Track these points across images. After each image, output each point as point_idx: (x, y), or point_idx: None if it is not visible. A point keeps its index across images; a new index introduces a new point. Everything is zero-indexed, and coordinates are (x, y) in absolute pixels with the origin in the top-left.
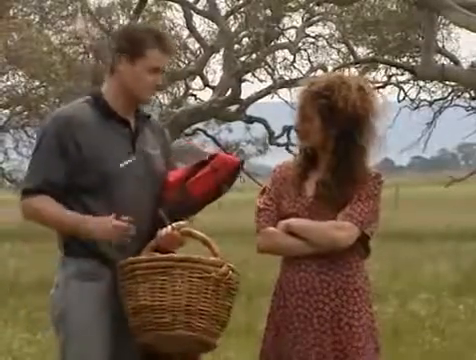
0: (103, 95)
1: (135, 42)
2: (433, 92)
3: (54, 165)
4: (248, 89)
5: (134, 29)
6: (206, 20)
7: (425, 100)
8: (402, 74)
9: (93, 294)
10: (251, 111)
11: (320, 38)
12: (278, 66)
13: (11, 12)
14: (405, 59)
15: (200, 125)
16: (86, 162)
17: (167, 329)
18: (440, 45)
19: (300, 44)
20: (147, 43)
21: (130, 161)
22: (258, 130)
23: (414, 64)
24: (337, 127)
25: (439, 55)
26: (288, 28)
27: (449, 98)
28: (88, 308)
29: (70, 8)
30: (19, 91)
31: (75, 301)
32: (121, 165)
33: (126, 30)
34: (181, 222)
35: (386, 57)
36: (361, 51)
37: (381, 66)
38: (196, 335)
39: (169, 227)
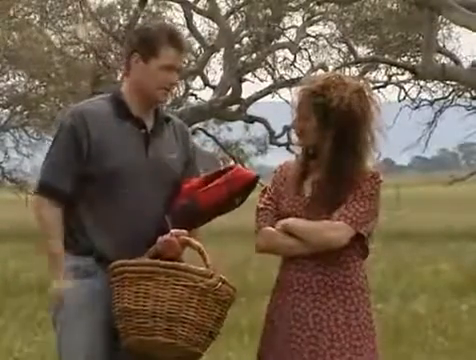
0: (122, 94)
1: (148, 41)
2: (434, 92)
3: (68, 162)
4: (248, 89)
5: (147, 28)
6: (206, 20)
7: (426, 100)
8: (403, 74)
9: (86, 290)
10: (251, 111)
11: (320, 37)
12: (278, 66)
13: (12, 11)
14: (406, 58)
15: (200, 124)
16: (93, 155)
17: (147, 334)
18: (441, 44)
19: (300, 43)
20: (160, 41)
21: (140, 161)
22: (258, 130)
23: (415, 63)
24: (333, 126)
25: (440, 54)
26: (288, 28)
27: (450, 97)
28: (78, 305)
29: (70, 8)
30: (19, 91)
31: (67, 297)
32: (129, 164)
33: (139, 29)
34: (182, 230)
35: (387, 56)
36: (361, 50)
37: (382, 66)
38: (176, 342)
39: (168, 234)
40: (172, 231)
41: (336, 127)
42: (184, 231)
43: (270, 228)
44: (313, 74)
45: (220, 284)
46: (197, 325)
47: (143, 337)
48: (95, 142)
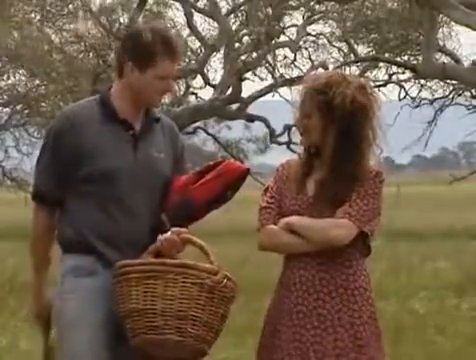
0: (111, 96)
1: (144, 50)
2: (434, 90)
3: (55, 166)
4: (249, 87)
5: (141, 35)
6: (207, 19)
7: (426, 98)
8: (403, 72)
9: (87, 289)
10: (252, 109)
11: (321, 36)
12: (279, 64)
13: (12, 10)
14: (406, 57)
15: (200, 123)
16: (82, 158)
17: (158, 333)
18: (441, 43)
19: (301, 42)
20: (156, 51)
21: (129, 163)
22: (258, 128)
23: (415, 62)
24: (336, 124)
25: (440, 53)
26: (289, 26)
27: (450, 96)
28: (80, 303)
29: (71, 6)
30: (20, 90)
31: (68, 297)
32: (118, 166)
33: (132, 35)
34: (182, 228)
35: (387, 55)
36: (362, 49)
37: (382, 64)
38: (187, 341)
39: (169, 232)
40: (173, 229)
41: (339, 124)
42: (184, 229)
43: (273, 226)
44: (314, 72)
45: (225, 281)
46: (205, 323)
47: (153, 336)
48: (82, 145)
